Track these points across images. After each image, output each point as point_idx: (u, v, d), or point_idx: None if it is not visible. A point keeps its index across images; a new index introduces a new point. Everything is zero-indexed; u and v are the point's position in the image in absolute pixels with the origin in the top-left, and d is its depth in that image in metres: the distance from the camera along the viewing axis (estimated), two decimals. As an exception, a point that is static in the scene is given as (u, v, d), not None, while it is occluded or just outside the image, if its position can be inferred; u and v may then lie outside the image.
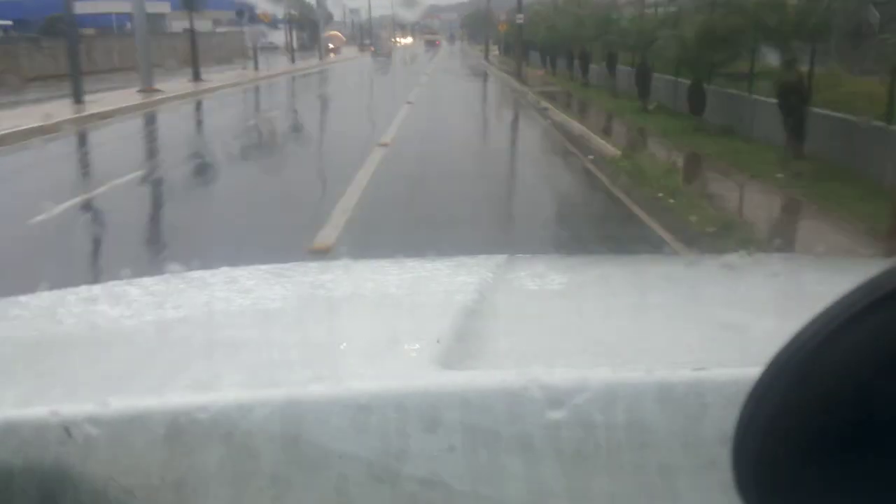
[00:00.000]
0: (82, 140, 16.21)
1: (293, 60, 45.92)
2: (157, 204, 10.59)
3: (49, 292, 1.36)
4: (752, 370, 0.52)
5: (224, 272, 1.45)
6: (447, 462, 0.80)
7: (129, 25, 46.45)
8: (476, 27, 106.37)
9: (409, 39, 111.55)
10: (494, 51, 59.35)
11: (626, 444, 0.80)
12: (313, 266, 1.55)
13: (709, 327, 1.15)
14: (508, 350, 1.05)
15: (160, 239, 8.55)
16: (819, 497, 0.50)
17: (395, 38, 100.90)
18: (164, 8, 54.69)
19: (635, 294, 1.42)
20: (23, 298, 1.33)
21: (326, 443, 0.80)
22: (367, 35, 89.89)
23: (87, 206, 9.45)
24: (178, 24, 51.05)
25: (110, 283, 1.40)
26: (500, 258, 1.51)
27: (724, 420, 0.57)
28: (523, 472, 0.80)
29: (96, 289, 1.37)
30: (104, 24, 47.42)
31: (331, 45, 65.39)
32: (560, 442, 0.80)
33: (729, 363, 0.84)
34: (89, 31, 41.73)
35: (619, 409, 0.81)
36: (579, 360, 1.01)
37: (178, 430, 0.80)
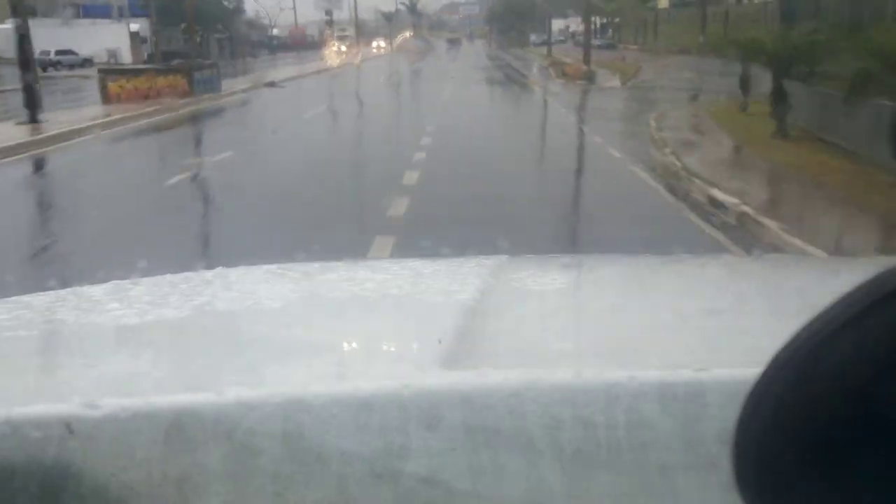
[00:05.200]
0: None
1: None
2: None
3: (51, 292, 1.37)
4: (752, 370, 0.52)
5: (224, 272, 1.45)
6: (448, 461, 0.80)
7: None
8: (511, 20, 69.83)
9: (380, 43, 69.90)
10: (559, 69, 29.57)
11: (626, 444, 0.81)
12: (314, 266, 1.55)
13: (709, 327, 1.15)
14: (509, 349, 1.05)
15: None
16: (819, 497, 0.50)
17: (339, 40, 58.95)
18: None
19: (636, 293, 1.42)
20: (25, 298, 1.33)
21: (328, 441, 0.80)
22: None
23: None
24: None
25: (111, 283, 1.40)
26: (501, 258, 1.51)
27: (724, 420, 0.57)
28: (524, 471, 0.80)
29: (97, 289, 1.38)
30: None
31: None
32: (560, 441, 0.81)
33: (729, 363, 0.84)
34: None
35: (619, 409, 0.81)
36: (580, 360, 1.01)
37: (180, 428, 0.81)
